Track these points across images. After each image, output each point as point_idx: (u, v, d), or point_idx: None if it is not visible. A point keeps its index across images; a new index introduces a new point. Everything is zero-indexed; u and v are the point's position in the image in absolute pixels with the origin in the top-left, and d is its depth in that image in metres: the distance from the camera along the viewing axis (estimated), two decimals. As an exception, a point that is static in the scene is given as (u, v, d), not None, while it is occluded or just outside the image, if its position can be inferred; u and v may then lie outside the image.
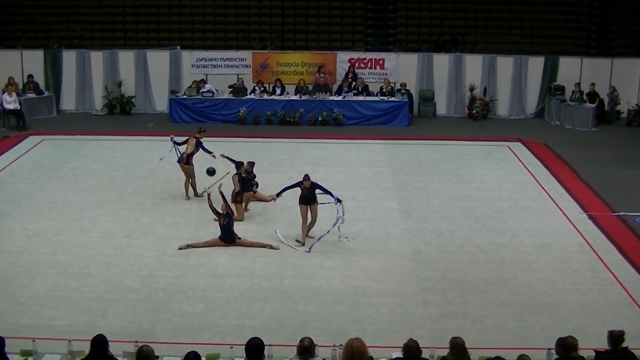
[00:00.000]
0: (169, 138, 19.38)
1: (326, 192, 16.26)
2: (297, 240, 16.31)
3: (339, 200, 16.09)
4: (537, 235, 16.89)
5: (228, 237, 16.05)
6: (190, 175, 18.96)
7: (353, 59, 29.07)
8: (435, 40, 31.49)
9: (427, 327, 12.77)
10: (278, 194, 16.68)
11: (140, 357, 9.07)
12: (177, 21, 32.08)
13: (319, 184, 16.43)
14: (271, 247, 16.01)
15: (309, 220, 16.44)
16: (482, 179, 20.90)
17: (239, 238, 16.10)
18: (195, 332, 12.53)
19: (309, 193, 16.24)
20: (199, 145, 18.86)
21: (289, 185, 16.60)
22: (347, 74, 28.53)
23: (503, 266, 15.27)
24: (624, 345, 9.83)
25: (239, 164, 17.77)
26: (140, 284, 14.28)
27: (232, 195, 17.46)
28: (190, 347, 9.64)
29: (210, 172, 18.23)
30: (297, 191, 16.46)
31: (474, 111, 28.61)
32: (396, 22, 32.12)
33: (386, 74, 28.83)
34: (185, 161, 18.76)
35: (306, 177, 16.26)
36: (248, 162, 18.13)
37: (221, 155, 18.67)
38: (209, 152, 18.91)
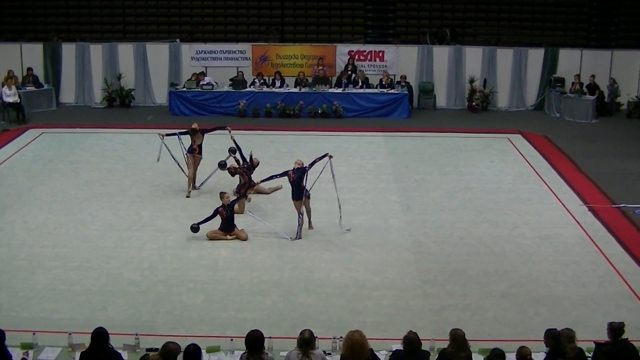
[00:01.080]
0: (161, 138, 19.13)
1: (313, 162, 16.51)
2: (291, 238, 16.28)
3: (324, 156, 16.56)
4: (537, 227, 16.89)
5: (228, 227, 16.10)
6: (196, 167, 18.99)
7: (353, 51, 29.03)
8: (434, 32, 31.42)
9: (427, 319, 12.78)
10: (263, 180, 17.03)
11: (164, 354, 9.00)
12: (176, 14, 32.03)
13: (307, 167, 16.46)
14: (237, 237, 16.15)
15: (304, 212, 16.55)
16: (482, 171, 20.90)
17: (238, 229, 16.21)
18: (196, 325, 12.54)
19: (295, 177, 16.19)
20: (204, 133, 18.99)
21: (277, 174, 16.73)
22: (346, 66, 28.50)
23: (503, 258, 15.27)
24: (624, 336, 9.85)
25: (221, 165, 18.22)
26: (141, 276, 14.29)
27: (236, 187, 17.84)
28: (191, 340, 9.66)
29: (222, 165, 18.37)
30: (312, 172, 16.61)
31: (473, 103, 28.57)
32: (396, 15, 32.08)
33: (386, 66, 28.80)
34: (198, 151, 18.90)
35: (298, 161, 16.51)
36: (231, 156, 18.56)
37: (231, 137, 18.88)
38: (219, 128, 19.70)
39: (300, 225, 16.30)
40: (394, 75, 28.42)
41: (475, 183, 19.83)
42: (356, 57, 28.92)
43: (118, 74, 28.74)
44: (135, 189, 19.15)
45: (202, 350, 9.44)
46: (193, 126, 19.04)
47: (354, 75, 28.08)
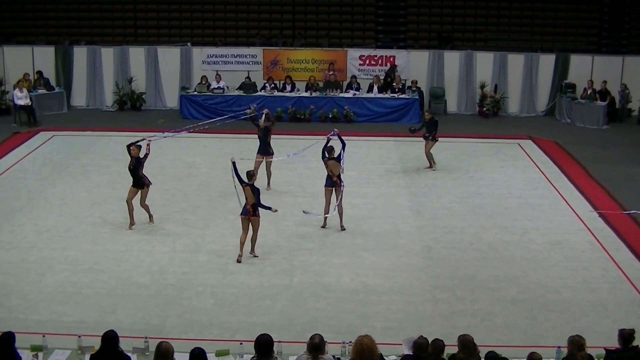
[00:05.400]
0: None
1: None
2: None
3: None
4: (547, 233, 16.86)
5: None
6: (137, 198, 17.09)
7: (364, 55, 29.04)
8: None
9: (436, 325, 12.75)
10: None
11: (159, 354, 9.04)
12: (187, 17, 32.14)
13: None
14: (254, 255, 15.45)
15: (332, 203, 16.90)
16: (493, 176, 20.87)
17: (253, 215, 15.07)
18: (205, 329, 12.56)
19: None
20: (139, 161, 16.92)
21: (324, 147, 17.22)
22: (388, 75, 28.34)
23: (513, 264, 15.25)
24: (635, 344, 9.81)
25: (250, 174, 15.31)
26: (150, 280, 14.31)
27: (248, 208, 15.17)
28: (200, 343, 9.66)
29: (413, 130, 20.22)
30: (321, 177, 17.16)
31: (484, 108, 28.55)
32: (407, 20, 32.10)
33: (397, 71, 28.77)
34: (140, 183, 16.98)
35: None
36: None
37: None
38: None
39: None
40: (405, 80, 28.40)
41: (486, 188, 19.81)
42: (367, 61, 28.93)
43: (129, 78, 28.81)
44: (146, 192, 19.17)
45: (212, 354, 9.43)
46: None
47: (394, 83, 28.10)
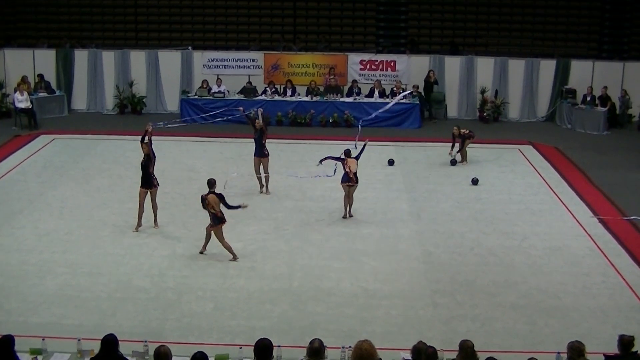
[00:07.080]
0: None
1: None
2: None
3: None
4: (547, 238, 16.86)
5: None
6: (150, 200, 17.21)
7: (364, 60, 29.05)
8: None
9: (436, 329, 12.76)
10: (321, 161, 18.13)
11: (158, 358, 9.04)
12: (188, 21, 32.15)
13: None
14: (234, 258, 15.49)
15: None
16: (493, 181, 20.88)
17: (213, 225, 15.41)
18: (205, 333, 12.56)
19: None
20: (150, 158, 17.12)
21: (333, 157, 17.99)
22: (428, 79, 28.45)
23: (513, 269, 15.25)
24: (634, 349, 9.81)
25: (211, 182, 15.40)
26: (150, 283, 14.32)
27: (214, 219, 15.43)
28: (200, 348, 9.65)
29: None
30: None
31: (485, 114, 28.54)
32: (408, 24, 32.10)
33: (397, 75, 28.79)
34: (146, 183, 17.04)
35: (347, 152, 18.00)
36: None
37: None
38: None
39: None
40: (406, 85, 28.39)
41: (486, 194, 19.81)
42: (368, 66, 28.93)
43: (130, 81, 28.81)
44: (146, 196, 19.17)
45: (212, 358, 9.43)
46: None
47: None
